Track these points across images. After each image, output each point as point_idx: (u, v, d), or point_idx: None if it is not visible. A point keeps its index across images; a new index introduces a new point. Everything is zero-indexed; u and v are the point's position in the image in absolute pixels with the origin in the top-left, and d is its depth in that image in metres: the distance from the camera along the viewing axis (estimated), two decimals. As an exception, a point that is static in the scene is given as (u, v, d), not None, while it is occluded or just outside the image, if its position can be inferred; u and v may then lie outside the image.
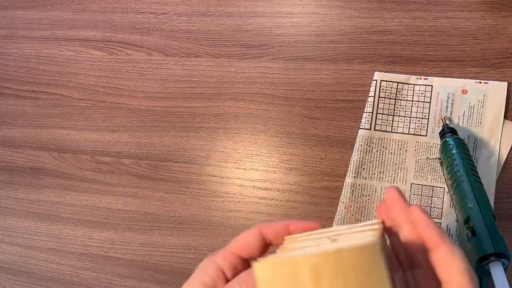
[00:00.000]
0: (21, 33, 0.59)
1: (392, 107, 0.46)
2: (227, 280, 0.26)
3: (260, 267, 0.20)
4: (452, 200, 0.41)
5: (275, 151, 0.49)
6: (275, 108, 0.50)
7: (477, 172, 0.39)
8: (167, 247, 0.49)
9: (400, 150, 0.46)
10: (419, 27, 0.48)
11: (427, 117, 0.46)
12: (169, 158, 0.51)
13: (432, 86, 0.46)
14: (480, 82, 0.45)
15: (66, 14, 0.58)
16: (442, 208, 0.43)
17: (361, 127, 0.46)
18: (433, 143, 0.45)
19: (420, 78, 0.47)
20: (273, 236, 0.27)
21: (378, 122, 0.46)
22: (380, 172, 0.45)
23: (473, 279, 0.22)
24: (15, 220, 0.54)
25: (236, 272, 0.26)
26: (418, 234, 0.24)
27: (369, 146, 0.46)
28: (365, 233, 0.23)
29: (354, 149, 0.46)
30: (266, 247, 0.27)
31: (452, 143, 0.41)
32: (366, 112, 0.46)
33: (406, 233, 0.25)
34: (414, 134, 0.46)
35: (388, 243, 0.27)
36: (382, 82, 0.47)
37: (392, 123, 0.46)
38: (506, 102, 0.44)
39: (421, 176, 0.45)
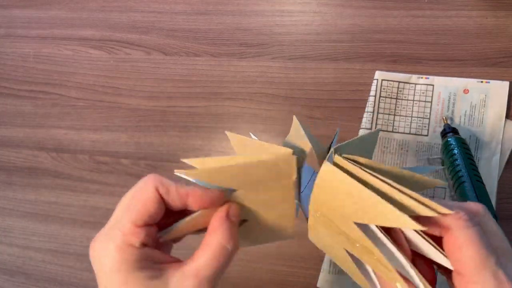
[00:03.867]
0: (19, 32, 0.59)
1: (393, 106, 0.46)
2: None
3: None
4: (453, 200, 0.40)
5: (275, 151, 0.48)
6: (275, 107, 0.49)
7: (478, 172, 0.39)
8: (167, 247, 0.49)
9: (401, 150, 0.45)
10: (421, 26, 0.48)
11: (428, 117, 0.46)
12: (168, 158, 0.51)
13: (433, 85, 0.46)
14: (481, 82, 0.45)
15: (64, 13, 0.58)
16: (443, 209, 0.43)
17: (362, 127, 0.46)
18: (435, 143, 0.45)
19: (421, 78, 0.46)
20: (171, 203, 0.24)
21: (379, 122, 0.46)
22: (381, 172, 0.45)
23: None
24: (13, 220, 0.53)
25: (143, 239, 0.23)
26: None
27: (370, 146, 0.46)
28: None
29: (355, 149, 0.46)
30: (164, 212, 0.24)
31: (454, 143, 0.41)
32: (367, 112, 0.46)
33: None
34: (415, 134, 0.45)
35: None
36: (383, 81, 0.46)
37: (393, 122, 0.46)
38: (507, 101, 0.44)
39: (422, 176, 0.44)
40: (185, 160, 0.24)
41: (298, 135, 0.27)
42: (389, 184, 0.22)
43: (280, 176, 0.24)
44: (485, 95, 0.44)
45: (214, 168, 0.23)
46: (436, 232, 0.23)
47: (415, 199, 0.22)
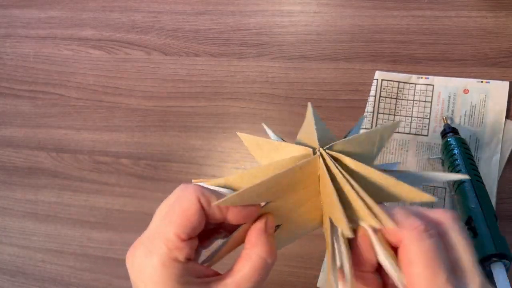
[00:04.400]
0: (19, 32, 0.59)
1: (393, 106, 0.46)
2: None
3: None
4: (453, 200, 0.40)
5: (275, 151, 0.48)
6: (275, 107, 0.49)
7: (478, 172, 0.39)
8: (167, 247, 0.49)
9: (401, 150, 0.45)
10: (421, 26, 0.48)
11: (428, 117, 0.46)
12: (168, 158, 0.51)
13: (433, 85, 0.46)
14: (481, 82, 0.45)
15: (64, 13, 0.58)
16: (443, 209, 0.43)
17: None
18: (435, 143, 0.45)
19: (421, 78, 0.46)
20: (211, 216, 0.24)
21: (379, 122, 0.46)
22: (381, 172, 0.45)
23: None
24: (13, 220, 0.53)
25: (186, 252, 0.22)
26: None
27: (370, 146, 0.46)
28: None
29: (355, 149, 0.46)
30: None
31: (454, 143, 0.41)
32: (367, 112, 0.46)
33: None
34: (415, 134, 0.45)
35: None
36: (383, 81, 0.46)
37: (393, 122, 0.46)
38: (507, 101, 0.44)
39: (422, 176, 0.44)
40: (205, 185, 0.24)
41: (308, 129, 0.27)
42: (354, 189, 0.22)
43: (307, 176, 0.25)
44: (485, 95, 0.44)
45: (244, 191, 0.23)
46: (394, 243, 0.22)
47: (370, 209, 0.22)
